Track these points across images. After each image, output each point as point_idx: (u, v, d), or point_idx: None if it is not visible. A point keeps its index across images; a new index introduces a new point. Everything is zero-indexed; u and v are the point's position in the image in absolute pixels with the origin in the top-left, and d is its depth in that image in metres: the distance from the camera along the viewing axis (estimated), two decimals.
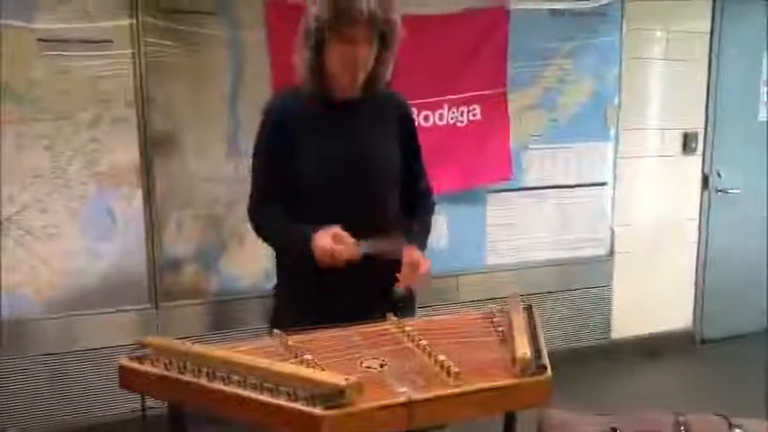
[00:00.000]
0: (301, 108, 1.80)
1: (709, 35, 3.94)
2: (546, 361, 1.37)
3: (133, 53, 2.83)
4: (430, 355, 1.41)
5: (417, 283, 1.81)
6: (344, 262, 1.67)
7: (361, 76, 1.77)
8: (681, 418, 1.76)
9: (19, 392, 2.85)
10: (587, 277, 3.84)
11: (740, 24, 3.97)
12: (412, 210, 1.96)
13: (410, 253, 1.76)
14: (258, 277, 3.11)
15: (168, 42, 2.88)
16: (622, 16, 3.65)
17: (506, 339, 1.52)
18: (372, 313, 1.67)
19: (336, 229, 1.69)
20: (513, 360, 1.36)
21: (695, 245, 4.15)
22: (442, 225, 3.42)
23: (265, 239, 1.90)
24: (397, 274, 1.75)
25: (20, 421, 2.87)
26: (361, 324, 1.61)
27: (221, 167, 3.02)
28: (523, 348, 1.37)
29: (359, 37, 1.69)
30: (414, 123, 1.98)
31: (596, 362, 3.80)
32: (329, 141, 1.80)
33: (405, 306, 1.81)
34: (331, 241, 1.67)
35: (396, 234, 1.75)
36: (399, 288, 1.76)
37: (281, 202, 1.83)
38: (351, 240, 1.68)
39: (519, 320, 1.57)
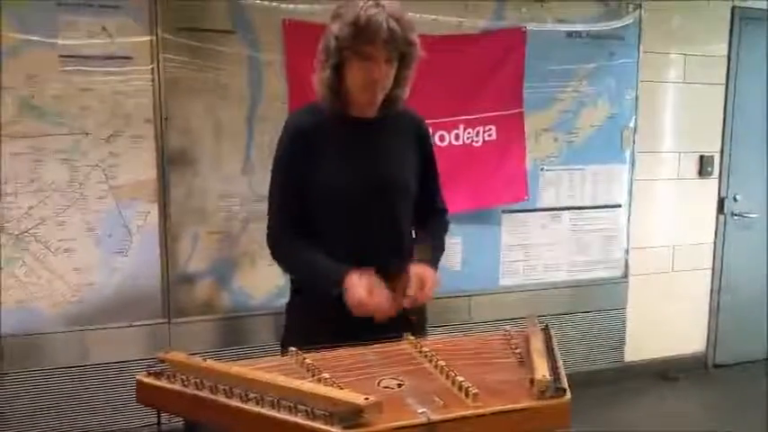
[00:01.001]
0: (320, 126, 1.80)
1: (726, 59, 3.95)
2: (565, 384, 1.35)
3: (152, 69, 2.86)
4: (448, 375, 1.40)
5: (426, 301, 1.79)
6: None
7: (381, 96, 1.77)
8: None
9: (32, 406, 2.85)
10: (601, 300, 3.82)
11: (757, 48, 3.98)
12: (426, 228, 1.95)
13: (418, 269, 1.74)
14: (270, 294, 3.11)
15: (187, 59, 2.91)
16: (640, 39, 3.67)
17: (524, 361, 1.51)
18: (387, 332, 1.65)
19: (371, 278, 1.65)
20: (532, 382, 1.34)
21: (710, 269, 4.14)
22: (456, 245, 3.41)
23: (291, 273, 1.88)
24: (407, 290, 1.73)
25: None
26: (378, 343, 1.60)
27: (237, 185, 3.04)
28: (542, 371, 1.36)
29: (379, 56, 1.69)
30: (431, 142, 1.99)
31: (609, 384, 3.77)
32: (347, 159, 1.80)
33: (417, 321, 1.80)
34: (367, 295, 1.63)
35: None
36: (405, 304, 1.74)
37: (302, 226, 1.79)
38: (385, 293, 1.65)
39: (537, 342, 1.56)
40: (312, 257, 1.77)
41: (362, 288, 1.64)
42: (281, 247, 1.84)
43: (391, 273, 1.72)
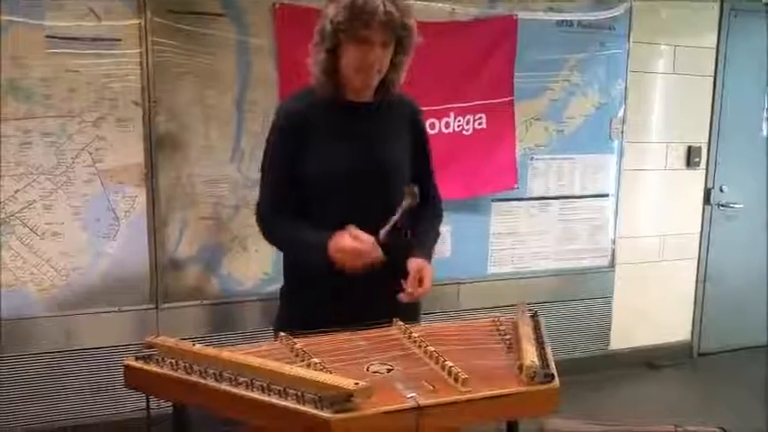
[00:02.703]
0: (314, 110, 1.80)
1: (715, 50, 3.96)
2: (553, 370, 1.37)
3: (140, 53, 2.83)
4: (438, 360, 1.41)
5: (423, 296, 1.80)
6: (368, 264, 1.64)
7: (376, 79, 1.77)
8: (680, 429, 1.76)
9: (20, 391, 2.84)
10: (588, 288, 3.85)
11: (746, 40, 4.00)
12: (421, 216, 1.95)
13: (416, 264, 1.75)
14: (259, 280, 3.11)
15: (176, 43, 2.88)
16: (630, 30, 3.67)
17: (513, 347, 1.52)
18: (379, 317, 1.66)
19: (353, 229, 1.67)
20: (521, 368, 1.36)
21: (696, 258, 4.17)
22: (445, 233, 3.41)
23: (278, 246, 1.89)
24: (403, 284, 1.74)
25: (21, 420, 2.86)
26: (368, 329, 1.60)
27: (226, 170, 3.02)
28: (531, 357, 1.37)
29: (375, 39, 1.69)
30: (425, 129, 1.99)
31: (595, 372, 3.80)
32: (340, 143, 1.80)
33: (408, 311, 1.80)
34: (352, 241, 1.65)
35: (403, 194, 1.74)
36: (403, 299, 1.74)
37: (291, 206, 1.81)
38: (369, 238, 1.66)
39: (526, 328, 1.57)
40: (298, 229, 1.79)
41: (347, 236, 1.66)
42: (268, 223, 1.86)
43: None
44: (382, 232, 1.68)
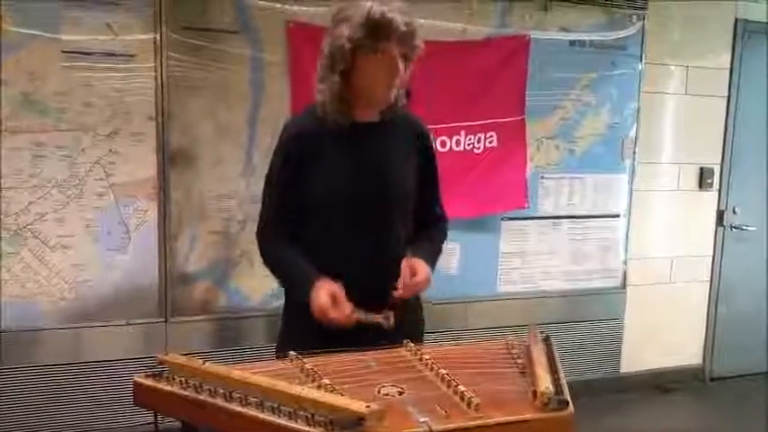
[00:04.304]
0: (320, 129, 1.79)
1: (728, 71, 3.95)
2: (568, 396, 1.35)
3: (155, 68, 2.85)
4: (449, 384, 1.39)
5: (418, 291, 1.79)
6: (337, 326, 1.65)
7: (394, 92, 1.76)
8: None
9: (28, 402, 2.84)
10: (598, 309, 3.81)
11: (760, 61, 3.99)
12: (424, 234, 1.93)
13: (410, 261, 1.74)
14: (266, 296, 3.10)
15: (190, 58, 2.90)
16: (642, 50, 3.67)
17: (526, 371, 1.50)
18: (383, 338, 1.65)
19: (336, 289, 1.67)
20: (534, 394, 1.34)
21: (708, 281, 4.13)
22: (454, 251, 3.40)
23: (270, 270, 1.89)
24: (396, 283, 1.72)
25: (29, 431, 2.85)
26: (376, 349, 1.59)
27: (236, 185, 3.03)
28: (545, 382, 1.35)
29: (395, 51, 1.69)
30: (432, 148, 1.96)
31: (605, 395, 3.76)
32: (345, 163, 1.79)
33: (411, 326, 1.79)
34: (328, 302, 1.65)
35: (391, 309, 1.73)
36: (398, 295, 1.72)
37: (290, 229, 1.81)
38: (347, 306, 1.66)
39: (538, 353, 1.55)
40: (291, 259, 1.80)
41: (326, 296, 1.66)
42: (265, 246, 1.87)
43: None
44: (362, 315, 1.68)
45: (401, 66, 1.71)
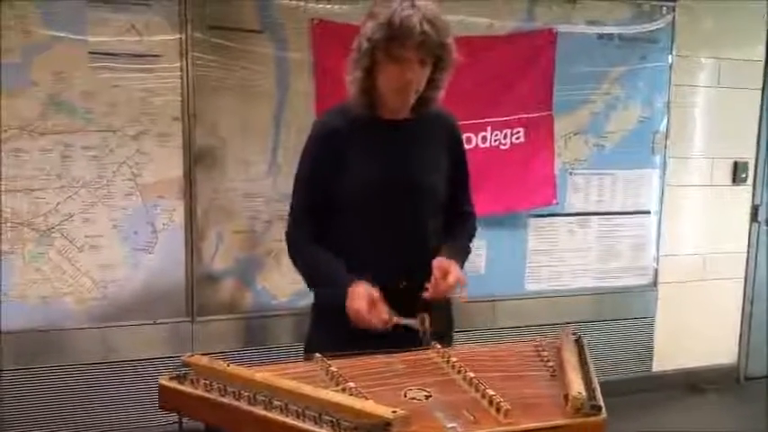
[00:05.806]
0: (349, 126, 1.78)
1: (763, 63, 3.85)
2: (600, 401, 1.31)
3: (181, 68, 2.86)
4: (478, 388, 1.35)
5: (449, 293, 1.75)
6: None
7: (412, 99, 1.74)
8: None
9: (55, 401, 2.86)
10: (629, 308, 3.74)
11: None
12: (453, 231, 1.91)
13: (441, 262, 1.71)
14: (293, 295, 3.08)
15: (215, 58, 2.91)
16: (673, 42, 3.59)
17: (557, 375, 1.46)
18: (410, 340, 1.62)
19: (373, 293, 1.64)
20: (566, 398, 1.30)
21: (742, 278, 4.04)
22: (481, 249, 3.36)
23: (300, 272, 1.86)
24: (427, 284, 1.70)
25: (55, 430, 2.88)
26: (404, 351, 1.56)
27: (262, 184, 3.02)
28: (577, 386, 1.31)
29: (411, 58, 1.66)
30: (463, 146, 1.94)
31: (637, 394, 3.69)
32: (374, 160, 1.77)
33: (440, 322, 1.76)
34: (365, 306, 1.63)
35: (425, 311, 1.71)
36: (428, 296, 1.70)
37: (319, 229, 1.79)
38: (384, 310, 1.64)
39: (570, 355, 1.51)
40: (324, 261, 1.77)
41: (363, 300, 1.63)
42: (296, 246, 1.84)
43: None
44: (399, 320, 1.66)
45: (420, 71, 1.68)
